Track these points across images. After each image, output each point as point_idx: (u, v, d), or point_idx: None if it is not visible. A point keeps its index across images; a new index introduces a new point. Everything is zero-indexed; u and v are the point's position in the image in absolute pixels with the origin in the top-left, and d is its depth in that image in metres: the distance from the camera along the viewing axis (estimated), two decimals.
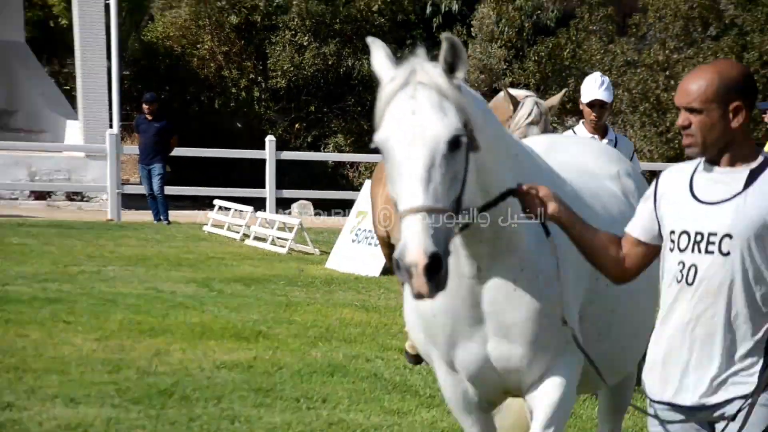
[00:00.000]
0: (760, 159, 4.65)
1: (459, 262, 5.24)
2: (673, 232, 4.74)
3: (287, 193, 27.01)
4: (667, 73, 31.83)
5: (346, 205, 21.13)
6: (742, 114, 4.60)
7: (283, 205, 26.99)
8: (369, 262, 17.96)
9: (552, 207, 4.96)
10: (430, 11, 36.15)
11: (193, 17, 34.87)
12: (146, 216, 24.64)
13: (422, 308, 5.52)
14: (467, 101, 4.84)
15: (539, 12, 35.89)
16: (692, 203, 4.71)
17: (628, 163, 6.63)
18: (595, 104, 9.62)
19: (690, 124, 4.61)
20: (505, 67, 34.17)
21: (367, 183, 21.26)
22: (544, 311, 5.29)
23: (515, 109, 8.81)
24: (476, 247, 5.21)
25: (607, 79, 9.85)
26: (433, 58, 4.81)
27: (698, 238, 4.64)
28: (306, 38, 34.15)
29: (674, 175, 4.87)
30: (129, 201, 26.09)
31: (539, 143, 6.65)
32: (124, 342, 11.59)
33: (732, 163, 4.66)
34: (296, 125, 34.47)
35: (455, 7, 36.06)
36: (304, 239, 20.56)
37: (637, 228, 4.95)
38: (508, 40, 34.41)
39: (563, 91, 10.44)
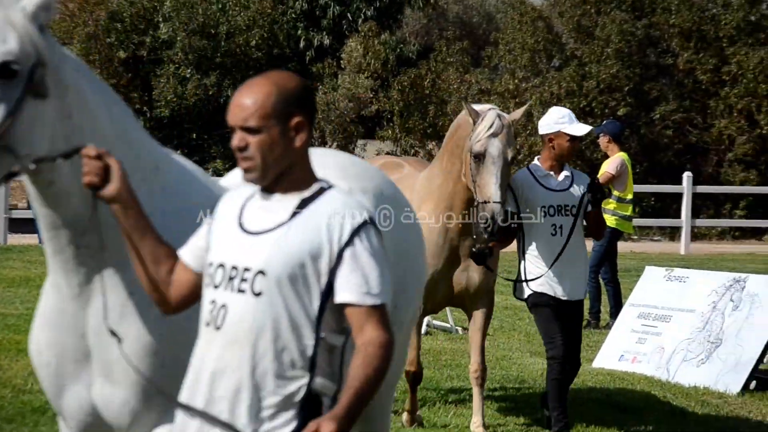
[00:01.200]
0: (316, 187, 3.73)
1: (56, 274, 4.17)
2: (211, 264, 3.74)
3: None
4: (517, 100, 32.04)
5: None
6: (304, 131, 3.70)
7: None
8: None
9: (115, 185, 3.77)
10: (304, 45, 36.04)
11: (84, 53, 34.33)
12: (33, 239, 24.00)
13: (31, 347, 4.35)
14: (47, 46, 3.89)
15: (402, 45, 36.04)
16: (236, 231, 3.74)
17: (376, 182, 5.29)
18: (579, 139, 8.70)
19: (247, 146, 3.65)
20: (371, 95, 34.13)
21: None
22: (155, 348, 4.11)
23: (476, 123, 8.10)
24: (73, 252, 4.10)
25: None
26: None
27: (233, 273, 3.67)
28: (189, 71, 33.86)
29: (233, 197, 3.87)
30: (17, 225, 25.38)
31: None
32: (1, 361, 11.11)
33: (287, 190, 3.73)
34: (178, 151, 34.14)
35: (326, 41, 36.01)
36: None
37: (189, 252, 3.86)
38: (374, 71, 34.39)
39: (526, 105, 9.89)
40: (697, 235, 29.52)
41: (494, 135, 7.95)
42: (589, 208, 8.43)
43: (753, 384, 10.73)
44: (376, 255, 3.64)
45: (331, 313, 3.63)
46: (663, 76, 32.96)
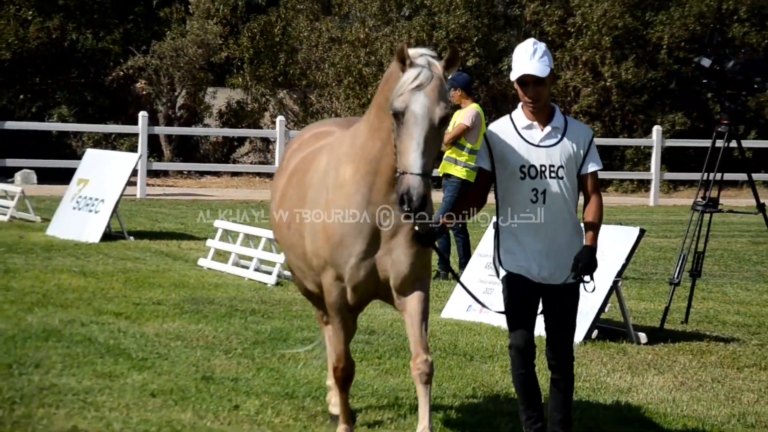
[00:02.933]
0: None
1: None
2: None
3: (10, 162, 26.07)
4: (367, 49, 32.11)
5: (69, 174, 20.35)
6: None
7: (7, 173, 26.06)
8: (89, 228, 17.42)
9: None
10: None
11: None
12: None
13: None
14: None
15: None
16: None
17: None
18: (527, 81, 6.63)
19: None
20: (221, 42, 33.86)
21: (90, 152, 20.68)
22: None
23: (403, 70, 6.35)
24: None
25: (542, 46, 6.71)
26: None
27: None
28: (30, 13, 33.09)
29: None
30: None
31: None
32: None
33: None
34: (21, 96, 33.44)
35: None
36: (26, 207, 19.80)
37: None
38: (223, 17, 34.13)
39: (451, 53, 6.55)
40: None
41: (419, 87, 6.30)
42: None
43: (595, 333, 11.07)
44: None
45: None
46: (511, 27, 33.38)
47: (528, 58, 6.62)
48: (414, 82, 6.28)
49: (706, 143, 14.32)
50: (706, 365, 10.23)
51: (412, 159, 6.18)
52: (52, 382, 8.56)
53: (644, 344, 10.96)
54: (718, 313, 12.84)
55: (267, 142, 34.33)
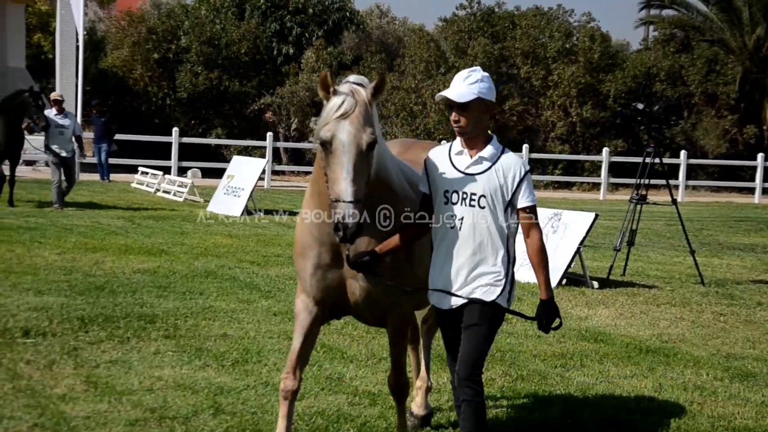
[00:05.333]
0: None
1: None
2: None
3: (185, 164, 26.27)
4: (416, 94, 32.03)
5: (222, 172, 20.54)
6: None
7: (182, 171, 26.30)
8: (234, 207, 17.55)
9: None
10: (276, 53, 35.61)
11: (131, 54, 33.83)
12: (96, 177, 23.72)
13: None
14: None
15: (341, 55, 35.74)
16: None
17: None
18: (451, 104, 4.33)
19: None
20: None
21: (235, 158, 20.84)
22: None
23: (326, 100, 4.15)
24: None
25: (478, 73, 4.37)
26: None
27: None
28: (200, 68, 33.34)
29: None
30: (85, 167, 24.99)
31: None
32: (75, 255, 11.11)
33: None
34: (192, 122, 33.77)
35: (291, 51, 35.66)
36: (194, 192, 20.00)
37: None
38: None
39: (379, 78, 4.22)
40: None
41: (344, 116, 4.11)
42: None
43: (564, 281, 11.00)
44: None
45: None
46: (511, 81, 33.11)
47: (457, 83, 4.34)
48: (338, 110, 4.11)
49: (638, 159, 14.17)
50: (636, 302, 10.14)
51: (343, 187, 4.00)
52: (210, 304, 8.67)
53: (596, 289, 10.87)
54: (644, 269, 12.71)
55: None
